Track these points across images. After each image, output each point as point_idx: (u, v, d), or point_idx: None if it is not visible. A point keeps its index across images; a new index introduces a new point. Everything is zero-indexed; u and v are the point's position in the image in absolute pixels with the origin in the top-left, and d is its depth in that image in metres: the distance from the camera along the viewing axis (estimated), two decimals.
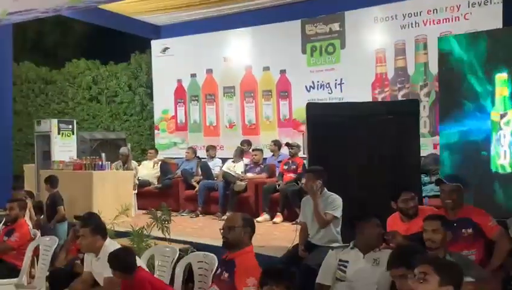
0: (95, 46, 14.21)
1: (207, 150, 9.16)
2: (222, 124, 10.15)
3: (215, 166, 8.77)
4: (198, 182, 8.52)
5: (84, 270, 4.24)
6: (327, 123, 5.09)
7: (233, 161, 8.53)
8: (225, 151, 9.63)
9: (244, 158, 8.61)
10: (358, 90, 8.35)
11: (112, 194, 7.60)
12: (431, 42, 7.78)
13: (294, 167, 7.79)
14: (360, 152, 5.02)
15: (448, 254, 3.28)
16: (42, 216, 6.94)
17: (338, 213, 4.49)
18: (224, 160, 8.90)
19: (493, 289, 3.40)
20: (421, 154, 5.83)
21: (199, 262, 4.06)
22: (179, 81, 10.62)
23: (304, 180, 7.18)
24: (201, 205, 8.26)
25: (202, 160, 9.13)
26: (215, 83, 10.22)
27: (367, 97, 8.23)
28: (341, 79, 8.73)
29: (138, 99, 11.68)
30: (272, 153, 8.66)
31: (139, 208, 8.37)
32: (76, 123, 9.65)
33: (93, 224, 4.09)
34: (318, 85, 8.98)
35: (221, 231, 3.27)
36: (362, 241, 3.45)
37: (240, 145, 8.89)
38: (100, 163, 7.99)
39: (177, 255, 4.30)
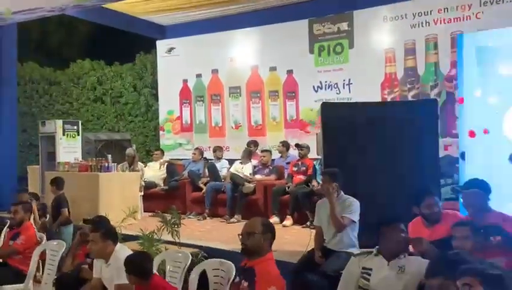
0: (99, 46, 14.15)
1: (214, 151, 8.99)
2: (228, 125, 10.02)
3: (222, 167, 8.62)
4: (205, 184, 8.39)
5: (93, 277, 4.13)
6: (343, 123, 4.96)
7: (241, 162, 8.39)
8: (231, 153, 9.50)
9: (251, 159, 8.48)
10: (367, 91, 8.23)
11: (118, 196, 7.47)
12: (441, 42, 7.71)
13: (304, 168, 7.65)
14: (377, 153, 4.87)
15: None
16: (48, 218, 6.83)
17: (355, 217, 4.36)
18: (230, 161, 8.77)
19: None
20: None
21: (214, 270, 3.92)
22: (185, 81, 10.50)
23: (314, 182, 7.15)
24: (209, 207, 8.13)
25: (209, 161, 9.00)
26: (221, 84, 10.09)
27: (376, 98, 8.11)
28: (349, 79, 8.60)
29: (143, 100, 11.60)
30: (280, 154, 8.50)
31: (145, 211, 8.24)
32: (81, 124, 9.55)
33: (104, 228, 3.99)
34: (326, 85, 8.85)
35: (240, 236, 3.11)
36: (386, 247, 3.26)
37: (247, 146, 8.75)
38: (106, 164, 7.86)
39: (190, 260, 4.17)
